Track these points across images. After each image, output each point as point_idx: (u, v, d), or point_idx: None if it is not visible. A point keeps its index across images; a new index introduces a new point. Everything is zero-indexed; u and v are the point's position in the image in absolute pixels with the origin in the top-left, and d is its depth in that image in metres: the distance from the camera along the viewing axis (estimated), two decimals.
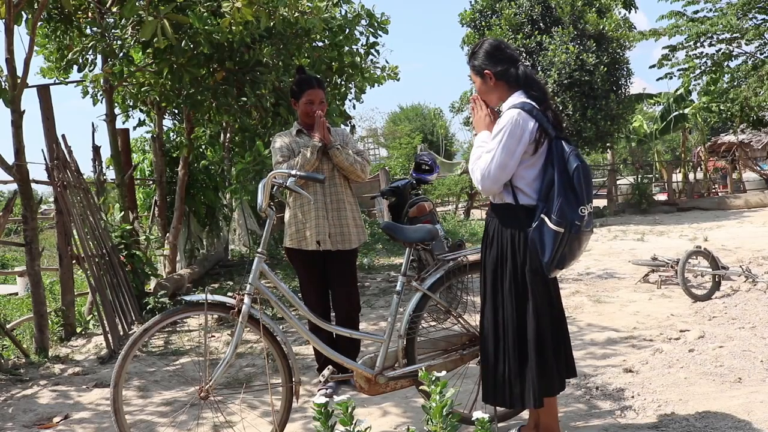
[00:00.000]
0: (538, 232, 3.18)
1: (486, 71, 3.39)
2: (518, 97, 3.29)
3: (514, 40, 18.13)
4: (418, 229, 3.78)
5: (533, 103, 3.24)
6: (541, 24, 18.46)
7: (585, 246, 3.29)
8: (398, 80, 11.63)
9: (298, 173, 3.80)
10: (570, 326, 6.62)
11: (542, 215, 3.16)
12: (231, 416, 4.43)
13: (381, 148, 44.99)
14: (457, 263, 3.98)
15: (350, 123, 11.10)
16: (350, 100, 10.98)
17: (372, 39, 9.52)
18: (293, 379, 3.72)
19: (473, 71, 3.47)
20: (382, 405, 4.51)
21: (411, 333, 3.85)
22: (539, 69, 17.98)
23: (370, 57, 9.93)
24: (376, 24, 9.31)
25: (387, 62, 11.19)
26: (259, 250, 3.79)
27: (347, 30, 8.92)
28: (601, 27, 17.96)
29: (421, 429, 2.44)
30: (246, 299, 3.65)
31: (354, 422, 2.37)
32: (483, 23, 19.30)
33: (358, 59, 9.52)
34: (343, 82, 10.27)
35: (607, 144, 20.23)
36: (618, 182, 23.35)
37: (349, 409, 2.37)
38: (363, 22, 9.21)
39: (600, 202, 22.74)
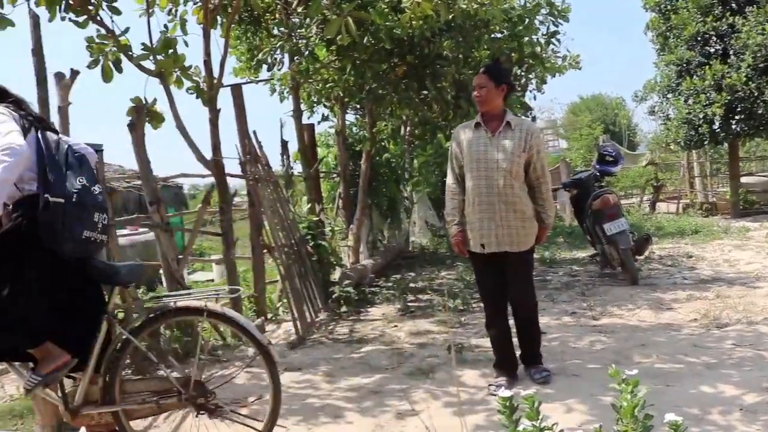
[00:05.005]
0: (44, 213, 3.25)
1: None
2: None
3: (703, 23, 17.07)
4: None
5: (8, 106, 3.45)
6: (733, 4, 17.24)
7: (93, 218, 3.40)
8: (580, 69, 11.34)
9: None
10: None
11: (45, 195, 3.27)
12: (415, 404, 4.49)
13: (560, 140, 44.16)
14: (163, 307, 3.79)
15: (530, 114, 10.95)
16: (531, 91, 10.83)
17: (552, 28, 9.33)
18: None
19: None
20: (566, 401, 4.40)
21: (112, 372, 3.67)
22: (731, 53, 16.83)
23: (551, 46, 9.75)
24: (556, 12, 9.11)
25: (568, 51, 10.94)
26: None
27: (527, 20, 8.78)
28: None
29: (610, 428, 2.35)
30: None
31: (540, 418, 2.32)
32: (668, 7, 18.26)
33: (539, 49, 9.35)
34: (523, 73, 10.15)
35: None
36: None
37: (535, 404, 2.33)
38: (543, 11, 9.04)
39: None
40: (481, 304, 5.25)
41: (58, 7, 5.62)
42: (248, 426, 3.84)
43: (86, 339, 3.56)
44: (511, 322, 4.92)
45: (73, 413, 3.61)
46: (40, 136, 3.47)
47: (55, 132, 3.66)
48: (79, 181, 3.42)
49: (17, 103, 3.58)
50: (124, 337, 3.65)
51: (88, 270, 3.54)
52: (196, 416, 3.77)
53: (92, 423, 3.73)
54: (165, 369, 3.83)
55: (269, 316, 7.56)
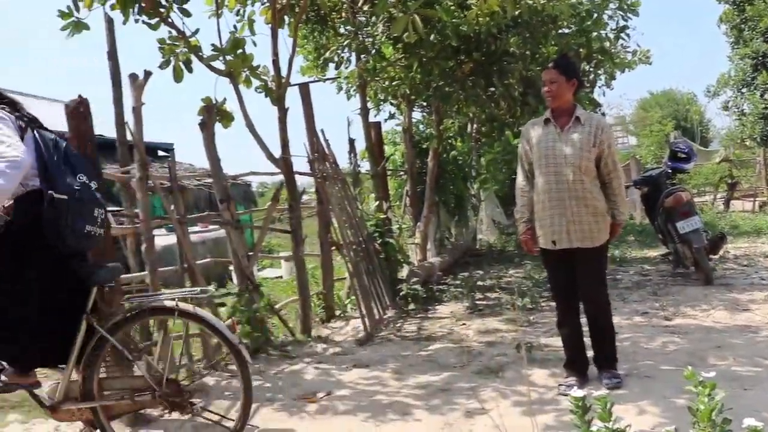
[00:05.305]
0: (49, 209, 3.36)
1: None
2: None
3: None
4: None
5: (3, 108, 3.56)
6: None
7: (93, 213, 3.54)
8: (650, 64, 11.09)
9: None
10: None
11: (49, 192, 3.38)
12: (484, 403, 4.46)
13: (630, 137, 43.32)
14: (138, 307, 3.81)
15: (599, 111, 10.80)
16: (600, 87, 10.65)
17: (621, 22, 9.16)
18: None
19: None
20: (638, 403, 4.31)
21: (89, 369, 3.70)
22: None
23: (620, 41, 9.57)
24: (626, 6, 8.93)
25: (638, 46, 10.72)
26: None
27: (595, 15, 8.61)
28: None
29: (685, 431, 2.28)
30: None
31: (613, 419, 2.27)
32: None
33: (608, 44, 9.19)
34: (592, 69, 9.99)
35: None
36: None
37: (608, 405, 2.28)
38: (612, 5, 8.88)
39: None
40: (551, 303, 5.20)
41: (131, 10, 5.77)
42: (220, 425, 3.89)
43: (68, 340, 3.65)
44: (583, 320, 4.83)
45: (53, 409, 3.72)
46: (37, 135, 3.57)
47: (49, 131, 3.74)
48: (80, 178, 3.54)
49: (12, 105, 3.69)
50: (101, 335, 3.70)
51: (73, 269, 3.62)
52: (170, 414, 3.85)
53: (72, 418, 3.86)
54: (140, 366, 3.88)
55: (338, 312, 7.62)
